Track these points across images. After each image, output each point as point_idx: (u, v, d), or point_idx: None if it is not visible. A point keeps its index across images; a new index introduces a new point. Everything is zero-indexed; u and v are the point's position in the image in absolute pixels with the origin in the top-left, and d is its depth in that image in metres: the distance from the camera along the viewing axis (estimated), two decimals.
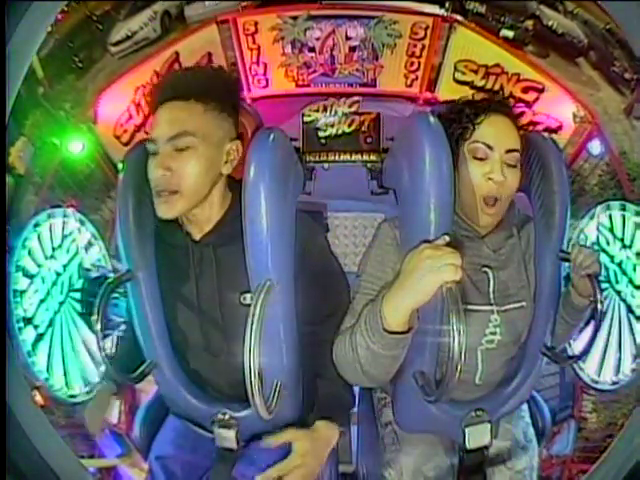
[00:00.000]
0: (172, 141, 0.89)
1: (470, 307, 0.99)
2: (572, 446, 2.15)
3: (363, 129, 2.73)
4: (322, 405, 1.02)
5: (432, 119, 0.91)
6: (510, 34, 2.85)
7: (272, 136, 0.90)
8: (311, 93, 2.86)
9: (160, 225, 1.00)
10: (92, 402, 1.05)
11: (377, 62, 2.81)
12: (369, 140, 2.72)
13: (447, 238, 0.85)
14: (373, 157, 2.69)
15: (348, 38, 2.81)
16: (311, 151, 2.70)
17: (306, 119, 2.74)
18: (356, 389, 1.12)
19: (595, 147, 2.39)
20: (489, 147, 0.96)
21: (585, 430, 2.21)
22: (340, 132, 2.72)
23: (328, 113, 2.72)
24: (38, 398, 1.72)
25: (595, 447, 2.13)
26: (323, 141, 2.72)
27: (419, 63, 2.78)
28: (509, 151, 0.97)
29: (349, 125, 2.73)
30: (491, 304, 1.02)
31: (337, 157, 2.71)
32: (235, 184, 0.97)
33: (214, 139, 0.93)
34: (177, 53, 2.65)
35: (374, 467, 1.13)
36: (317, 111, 2.73)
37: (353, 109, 2.72)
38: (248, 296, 0.83)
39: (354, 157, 2.71)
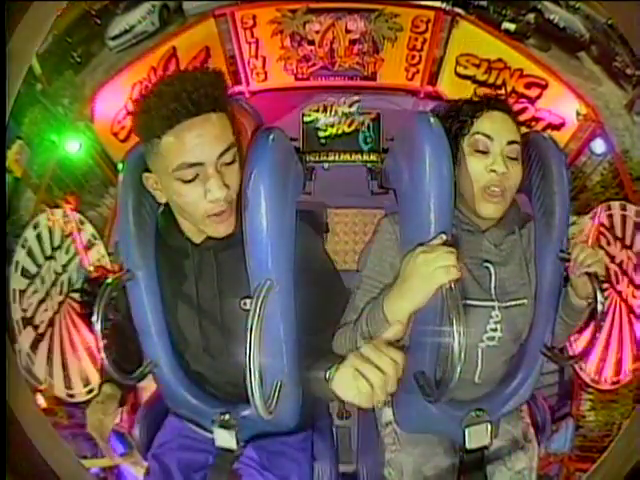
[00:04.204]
0: (222, 157, 0.85)
1: (471, 302, 0.99)
2: (570, 444, 2.16)
3: (363, 129, 2.72)
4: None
5: (432, 119, 0.91)
6: (512, 27, 2.83)
7: (272, 136, 0.90)
8: (310, 86, 2.84)
9: (161, 227, 1.00)
10: (96, 405, 1.03)
11: (377, 55, 2.79)
12: (369, 140, 2.72)
13: (444, 237, 0.86)
14: (373, 157, 2.69)
15: (348, 31, 2.78)
16: (311, 151, 2.70)
17: (306, 119, 2.73)
18: None
19: (598, 145, 2.37)
20: (489, 138, 0.96)
21: (583, 428, 2.22)
22: (340, 132, 2.72)
23: (328, 113, 2.71)
24: (41, 401, 1.73)
25: (593, 446, 2.15)
26: (323, 141, 2.72)
27: (420, 56, 2.76)
28: (510, 143, 0.97)
29: (349, 125, 2.73)
30: (492, 300, 1.02)
31: (337, 157, 2.71)
32: None
33: (235, 142, 0.91)
34: (174, 48, 2.62)
35: (374, 467, 1.14)
36: (317, 111, 2.72)
37: (353, 109, 2.71)
38: (248, 301, 0.83)
39: (354, 157, 2.71)
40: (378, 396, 0.74)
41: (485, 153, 0.96)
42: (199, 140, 0.83)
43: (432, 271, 0.79)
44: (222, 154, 0.85)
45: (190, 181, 0.85)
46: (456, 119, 0.99)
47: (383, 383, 0.74)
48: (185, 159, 0.83)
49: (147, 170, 0.93)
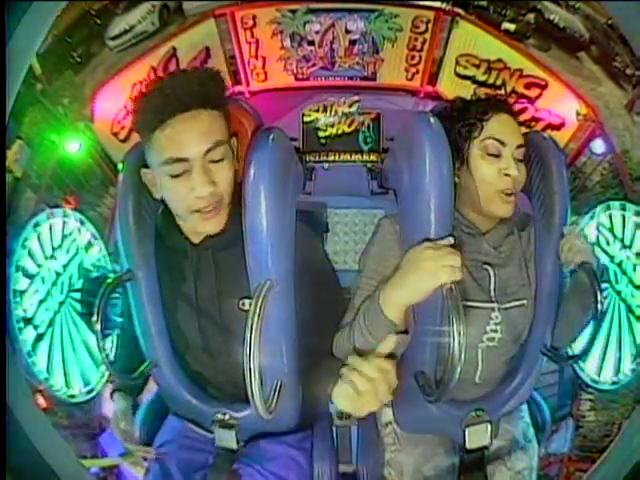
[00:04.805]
0: (208, 154, 0.86)
1: (471, 304, 1.00)
2: (570, 444, 2.16)
3: (363, 129, 2.73)
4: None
5: (432, 119, 0.91)
6: (512, 27, 2.82)
7: (272, 136, 0.90)
8: (310, 87, 2.84)
9: (160, 227, 1.00)
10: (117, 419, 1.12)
11: (377, 55, 2.79)
12: (369, 140, 2.73)
13: (451, 240, 0.86)
14: (373, 157, 2.70)
15: (348, 31, 2.78)
16: (311, 151, 2.70)
17: (306, 119, 2.74)
18: None
19: (598, 145, 2.38)
20: (502, 143, 0.97)
21: (583, 428, 2.22)
22: (340, 132, 2.73)
23: (328, 113, 2.72)
24: (41, 401, 1.73)
25: (593, 446, 2.15)
26: (323, 141, 2.73)
27: (420, 57, 2.75)
28: (519, 147, 0.99)
29: (349, 125, 2.73)
30: (492, 301, 1.02)
31: (337, 157, 2.72)
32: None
33: (228, 140, 0.92)
34: (174, 48, 2.62)
35: (374, 467, 1.14)
36: (317, 111, 2.73)
37: (353, 109, 2.72)
38: (247, 302, 0.83)
39: (354, 157, 2.72)
40: (369, 404, 0.74)
41: (497, 157, 0.98)
42: (185, 136, 0.85)
43: (437, 268, 0.80)
44: (209, 151, 0.86)
45: (178, 176, 0.86)
46: (463, 121, 1.00)
47: (371, 389, 0.73)
48: (172, 154, 0.85)
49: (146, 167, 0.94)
